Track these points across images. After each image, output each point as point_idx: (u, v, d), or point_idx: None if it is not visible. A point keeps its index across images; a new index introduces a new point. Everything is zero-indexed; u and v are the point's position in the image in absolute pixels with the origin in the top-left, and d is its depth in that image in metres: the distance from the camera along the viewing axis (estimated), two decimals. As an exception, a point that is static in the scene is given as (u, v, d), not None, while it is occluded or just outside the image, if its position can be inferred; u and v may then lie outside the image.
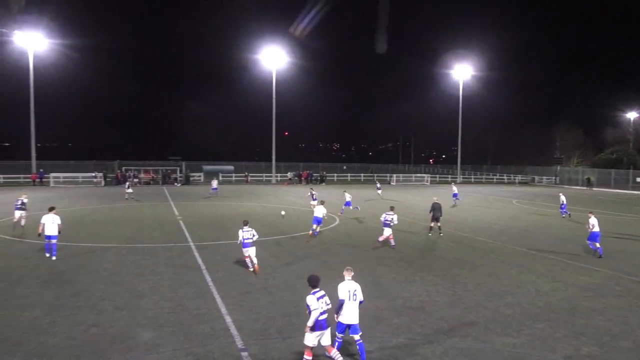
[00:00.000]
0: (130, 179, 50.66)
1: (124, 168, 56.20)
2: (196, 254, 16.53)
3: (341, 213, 28.14)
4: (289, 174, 62.26)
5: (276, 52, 59.42)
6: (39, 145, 58.42)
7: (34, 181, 50.50)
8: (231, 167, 65.33)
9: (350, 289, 8.45)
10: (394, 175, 67.60)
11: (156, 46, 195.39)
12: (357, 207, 29.35)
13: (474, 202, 38.39)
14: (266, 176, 64.66)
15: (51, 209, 16.03)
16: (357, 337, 8.37)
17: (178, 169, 58.78)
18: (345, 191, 30.12)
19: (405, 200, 38.37)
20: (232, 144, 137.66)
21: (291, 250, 17.61)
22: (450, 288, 12.84)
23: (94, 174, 52.93)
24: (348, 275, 8.68)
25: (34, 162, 53.90)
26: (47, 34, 52.68)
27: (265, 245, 17.85)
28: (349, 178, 68.87)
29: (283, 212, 25.14)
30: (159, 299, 11.51)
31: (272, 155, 63.36)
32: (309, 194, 29.32)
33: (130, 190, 36.69)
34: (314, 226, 20.27)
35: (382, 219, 18.61)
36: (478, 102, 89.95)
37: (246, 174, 61.18)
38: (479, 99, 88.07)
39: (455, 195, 35.52)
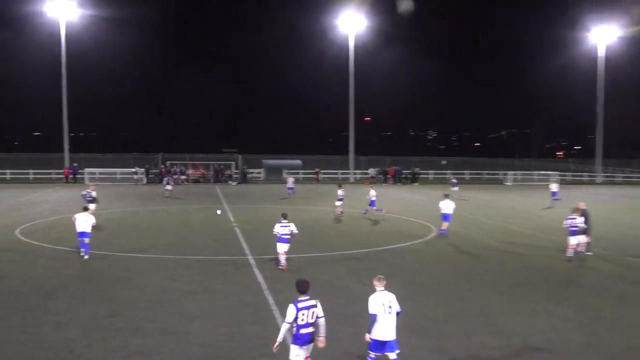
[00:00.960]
0: (176, 175, 52.93)
1: (168, 162, 58.77)
2: (255, 270, 16.98)
3: (365, 213, 29.63)
4: (371, 171, 62.18)
5: (354, 15, 59.64)
6: (72, 135, 62.68)
7: (66, 178, 54.18)
8: (298, 162, 66.39)
9: (384, 302, 8.95)
10: (509, 173, 65.50)
11: (205, 20, 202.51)
12: (380, 209, 29.86)
13: (615, 208, 36.36)
14: (342, 173, 65.05)
15: (85, 209, 19.09)
16: (394, 355, 8.86)
17: (233, 163, 60.58)
18: (372, 187, 31.35)
19: (523, 206, 37.12)
20: (299, 132, 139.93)
21: (375, 267, 17.59)
22: (588, 325, 12.28)
23: (134, 170, 55.81)
24: (380, 286, 9.17)
25: (66, 155, 57.91)
26: (80, 2, 56.33)
27: (342, 260, 18.03)
28: (448, 176, 67.63)
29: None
30: (213, 323, 11.96)
31: (349, 147, 63.63)
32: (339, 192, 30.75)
33: (169, 187, 39.09)
34: (445, 224, 23.62)
35: (566, 224, 18.94)
36: (627, 74, 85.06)
37: (317, 170, 61.86)
38: (629, 69, 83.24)
39: (554, 194, 35.81)
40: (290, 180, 43.06)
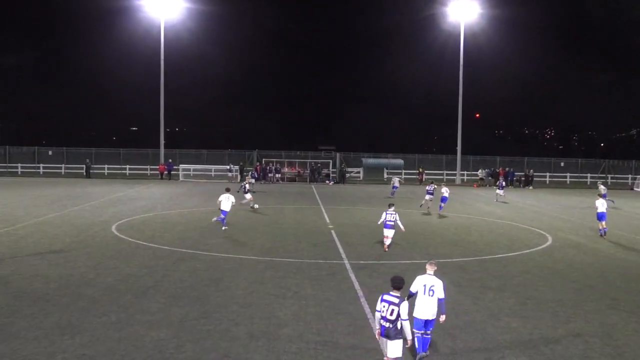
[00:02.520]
0: (271, 173, 54.17)
1: (264, 160, 60.30)
2: (352, 275, 17.10)
3: (440, 210, 31.52)
4: (481, 172, 60.76)
5: (466, 1, 58.56)
6: (167, 130, 65.89)
7: (161, 174, 56.99)
8: (400, 161, 66.06)
9: (426, 283, 10.52)
10: (639, 177, 61.76)
11: (304, 9, 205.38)
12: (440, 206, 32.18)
13: None
14: (448, 174, 64.02)
15: (227, 190, 26.01)
16: (428, 331, 10.54)
17: (330, 162, 61.20)
18: (442, 184, 33.41)
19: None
20: (401, 129, 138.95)
21: (481, 277, 17.24)
22: None
23: (228, 167, 57.74)
24: (430, 270, 10.74)
25: (162, 150, 60.88)
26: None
27: (444, 268, 17.72)
28: (568, 179, 64.87)
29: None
30: (303, 329, 12.18)
31: (456, 146, 62.50)
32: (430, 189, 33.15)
33: (249, 196, 33.77)
34: (603, 224, 25.48)
35: None
36: None
37: (420, 170, 61.27)
38: None
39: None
40: (396, 180, 43.25)
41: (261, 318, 12.89)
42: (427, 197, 33.40)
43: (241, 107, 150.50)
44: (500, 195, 40.96)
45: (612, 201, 34.51)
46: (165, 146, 62.39)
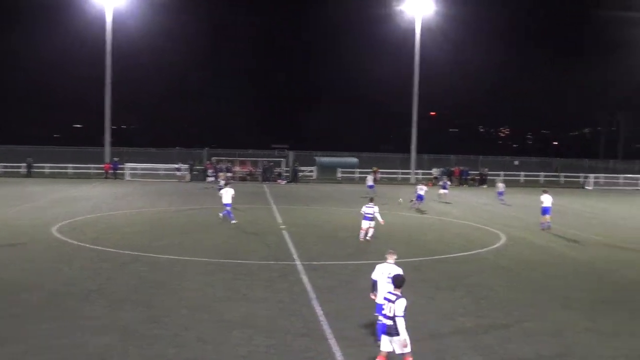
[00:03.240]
0: (222, 172, 53.79)
1: (214, 158, 59.80)
2: (304, 277, 17.12)
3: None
4: (435, 171, 61.56)
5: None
6: (114, 127, 64.66)
7: (106, 173, 55.92)
8: (355, 160, 66.40)
9: (384, 271, 11.37)
10: (591, 176, 63.64)
11: (251, 3, 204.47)
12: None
13: None
14: (403, 173, 64.70)
15: (227, 184, 29.10)
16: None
17: (283, 161, 61.12)
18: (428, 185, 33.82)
19: (606, 213, 36.04)
20: (355, 128, 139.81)
21: (435, 277, 17.49)
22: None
23: (177, 166, 57.05)
24: (390, 259, 11.64)
25: (107, 149, 59.71)
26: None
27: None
28: (522, 178, 66.31)
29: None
30: (253, 332, 12.13)
31: (411, 144, 63.24)
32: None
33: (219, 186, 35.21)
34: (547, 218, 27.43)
35: None
36: None
37: (375, 169, 61.73)
38: None
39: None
40: (370, 179, 43.67)
41: (210, 322, 12.80)
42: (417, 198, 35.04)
43: (192, 104, 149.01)
44: (443, 195, 40.49)
45: (503, 201, 36.12)
46: (112, 144, 61.24)
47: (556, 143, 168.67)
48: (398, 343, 9.63)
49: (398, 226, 28.22)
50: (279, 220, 29.17)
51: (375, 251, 21.24)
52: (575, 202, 42.92)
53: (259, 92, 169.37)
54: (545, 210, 27.89)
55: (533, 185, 61.26)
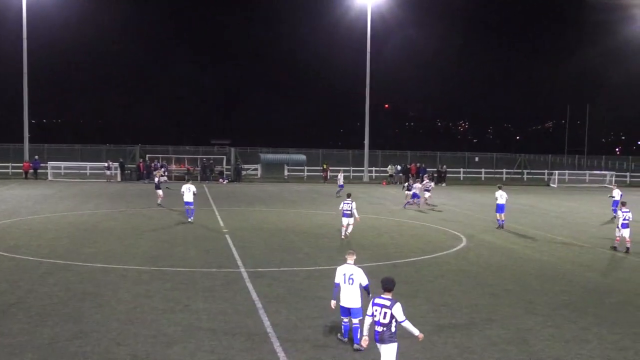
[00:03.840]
0: (157, 171, 53.09)
1: (148, 156, 59.02)
2: (249, 285, 17.02)
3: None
4: (390, 168, 62.15)
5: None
6: (33, 121, 63.08)
7: (26, 173, 54.48)
8: (302, 157, 66.54)
9: (346, 273, 11.96)
10: (555, 172, 65.31)
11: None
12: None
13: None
14: (355, 171, 65.06)
15: (188, 180, 31.19)
16: (356, 320, 11.86)
17: (224, 158, 60.75)
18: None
19: (571, 212, 37.03)
20: (303, 122, 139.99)
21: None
22: (647, 355, 12.23)
23: (106, 164, 56.08)
24: (349, 259, 12.22)
25: (26, 145, 58.18)
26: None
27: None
28: (482, 176, 67.55)
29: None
30: (195, 347, 11.99)
31: (364, 140, 63.63)
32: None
33: (160, 192, 35.61)
34: (502, 216, 29.18)
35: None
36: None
37: (325, 166, 61.93)
38: None
39: (615, 203, 34.17)
40: (341, 177, 44.58)
41: (147, 336, 12.58)
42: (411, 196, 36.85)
43: (121, 97, 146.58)
44: (428, 198, 39.68)
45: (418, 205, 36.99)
46: (31, 140, 59.69)
47: (518, 137, 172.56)
48: (388, 350, 9.82)
49: (356, 230, 28.33)
50: (221, 223, 28.95)
51: (326, 257, 21.32)
52: (540, 201, 43.94)
53: (197, 83, 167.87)
54: (500, 208, 29.10)
55: (495, 183, 62.50)
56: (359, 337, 10.68)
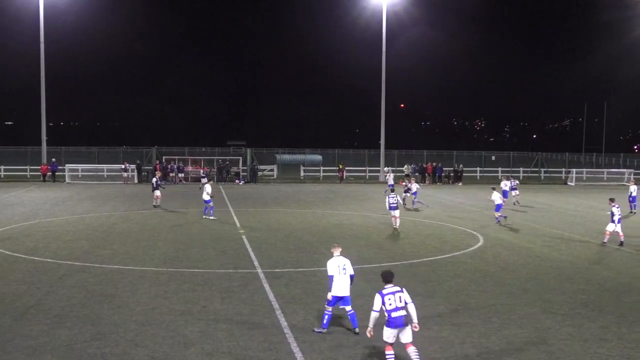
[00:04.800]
0: (173, 173, 53.22)
1: (164, 158, 59.25)
2: (266, 286, 17.06)
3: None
4: (406, 168, 62.01)
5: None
6: (50, 124, 63.55)
7: (44, 175, 54.85)
8: (319, 157, 66.59)
9: (339, 264, 12.82)
10: (573, 170, 64.81)
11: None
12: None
13: None
14: (371, 170, 64.95)
15: (209, 180, 32.92)
16: (348, 308, 12.82)
17: (240, 159, 60.86)
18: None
19: (590, 211, 36.75)
20: (319, 122, 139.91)
21: (408, 283, 17.50)
22: (668, 355, 12.13)
23: (123, 166, 56.37)
24: (336, 252, 13.08)
25: (44, 148, 58.62)
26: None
27: (366, 275, 17.98)
28: (499, 175, 67.18)
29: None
30: (212, 349, 12.04)
31: (380, 139, 63.54)
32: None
33: (158, 193, 35.50)
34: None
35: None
36: None
37: (341, 167, 61.92)
38: None
39: (633, 199, 36.40)
40: (391, 177, 44.71)
41: (164, 337, 12.65)
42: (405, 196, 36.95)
43: (137, 99, 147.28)
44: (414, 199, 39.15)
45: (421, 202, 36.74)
46: (48, 143, 60.12)
47: (535, 136, 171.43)
48: (409, 332, 10.66)
49: (367, 228, 28.34)
50: (238, 224, 29.04)
51: (343, 255, 21.25)
52: (557, 200, 43.69)
53: (213, 84, 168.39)
54: (498, 207, 30.33)
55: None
56: (367, 331, 11.00)
